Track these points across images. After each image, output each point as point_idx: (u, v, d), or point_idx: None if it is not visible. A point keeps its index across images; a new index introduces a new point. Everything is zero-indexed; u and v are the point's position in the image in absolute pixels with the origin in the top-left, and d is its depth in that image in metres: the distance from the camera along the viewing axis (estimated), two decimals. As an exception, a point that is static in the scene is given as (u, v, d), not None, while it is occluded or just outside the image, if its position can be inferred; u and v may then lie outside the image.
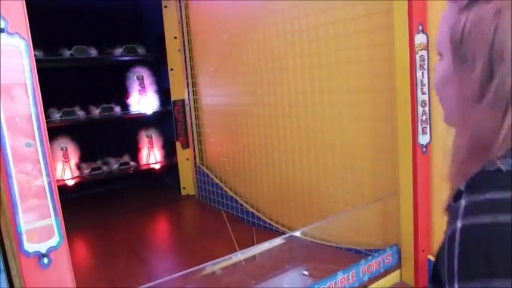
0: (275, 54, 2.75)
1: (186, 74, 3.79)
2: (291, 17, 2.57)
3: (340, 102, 2.38)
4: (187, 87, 3.82)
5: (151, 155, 4.21)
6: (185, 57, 3.76)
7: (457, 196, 0.49)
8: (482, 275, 0.41)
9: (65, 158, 3.66)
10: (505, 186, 0.44)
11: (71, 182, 3.67)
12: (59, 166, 3.63)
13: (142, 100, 4.10)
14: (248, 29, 2.98)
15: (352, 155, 2.37)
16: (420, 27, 1.90)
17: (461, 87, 0.52)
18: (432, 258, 2.04)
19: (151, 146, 4.22)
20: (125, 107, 4.07)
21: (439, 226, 2.00)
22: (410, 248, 2.03)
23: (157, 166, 4.21)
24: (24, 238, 1.00)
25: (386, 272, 2.07)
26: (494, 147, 0.47)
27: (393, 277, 2.10)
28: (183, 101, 3.89)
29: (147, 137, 4.21)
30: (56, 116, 3.61)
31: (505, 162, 0.46)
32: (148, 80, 4.12)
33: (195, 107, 3.82)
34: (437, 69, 0.59)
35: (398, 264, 2.11)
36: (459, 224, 0.45)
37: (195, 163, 3.90)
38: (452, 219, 0.47)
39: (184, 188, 4.02)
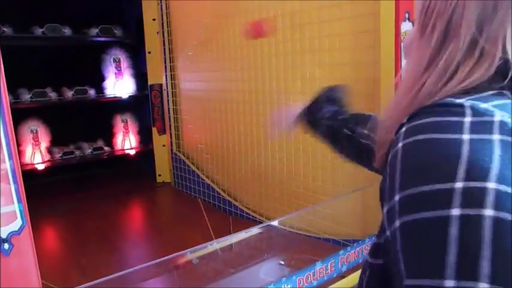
0: (256, 40, 2.68)
1: (165, 58, 3.69)
2: (274, 2, 2.50)
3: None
4: (165, 71, 3.72)
5: (127, 141, 4.10)
6: (164, 40, 3.66)
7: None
8: (421, 182, 0.42)
9: (35, 141, 3.52)
10: (445, 113, 0.45)
11: (41, 167, 3.53)
12: (29, 149, 3.48)
13: (118, 83, 3.97)
14: (229, 13, 2.89)
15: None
16: (407, 15, 1.87)
17: (418, 54, 0.55)
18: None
19: (126, 131, 4.10)
20: (100, 90, 3.93)
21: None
22: (389, 239, 2.02)
23: (132, 152, 4.10)
24: (-17, 223, 0.92)
25: (365, 262, 2.06)
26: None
27: (371, 268, 2.08)
28: (161, 85, 3.79)
29: (123, 121, 4.09)
30: (26, 96, 3.45)
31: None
32: (125, 63, 3.99)
33: (172, 91, 3.72)
34: (408, 32, 0.66)
35: (376, 255, 2.10)
36: (400, 144, 0.46)
37: (172, 150, 3.81)
38: (391, 148, 0.49)
39: (160, 175, 3.94)
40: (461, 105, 0.45)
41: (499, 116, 0.43)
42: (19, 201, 0.98)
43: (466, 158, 0.41)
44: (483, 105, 0.45)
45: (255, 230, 2.11)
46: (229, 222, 2.84)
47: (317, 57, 2.33)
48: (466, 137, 0.42)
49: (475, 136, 0.42)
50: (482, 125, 0.43)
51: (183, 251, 1.75)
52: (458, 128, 0.43)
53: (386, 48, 1.91)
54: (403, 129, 0.48)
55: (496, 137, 0.42)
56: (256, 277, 2.13)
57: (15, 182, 1.00)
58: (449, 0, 0.51)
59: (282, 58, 2.53)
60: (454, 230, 0.39)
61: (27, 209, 0.99)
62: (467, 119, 0.43)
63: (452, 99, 0.47)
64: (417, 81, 0.53)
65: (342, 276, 1.97)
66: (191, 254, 1.89)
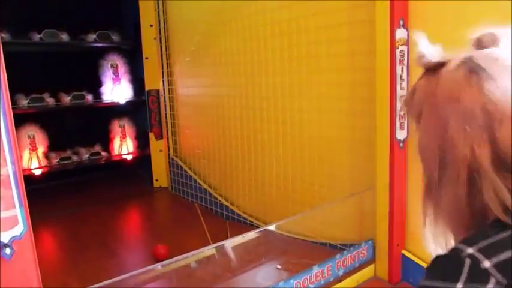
0: (254, 46, 2.71)
1: (162, 64, 3.70)
2: (270, 8, 2.53)
3: (318, 96, 2.36)
4: (163, 76, 3.73)
5: (124, 146, 4.10)
6: (161, 46, 3.67)
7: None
8: None
9: (32, 147, 3.52)
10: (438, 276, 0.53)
11: (38, 172, 3.53)
12: (26, 155, 3.48)
13: (116, 89, 3.98)
14: (226, 19, 2.92)
15: (329, 149, 2.36)
16: (401, 22, 1.90)
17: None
18: (407, 253, 2.05)
19: (123, 136, 4.11)
20: (97, 95, 3.94)
21: (414, 222, 2.01)
22: (385, 243, 2.04)
23: (129, 157, 4.11)
24: (-15, 227, 0.93)
25: (361, 266, 2.07)
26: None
27: (367, 271, 2.10)
28: (158, 91, 3.80)
29: (120, 126, 4.09)
30: (24, 102, 3.46)
31: None
32: (122, 69, 4.00)
33: (169, 97, 3.73)
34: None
35: (372, 259, 2.12)
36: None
37: (169, 155, 3.82)
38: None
39: (157, 180, 3.94)
40: (462, 264, 0.50)
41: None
42: (21, 206, 1.00)
43: None
44: (486, 264, 0.49)
45: (252, 235, 2.12)
46: (227, 227, 2.85)
47: (313, 63, 2.35)
48: None
49: None
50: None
51: (182, 256, 1.77)
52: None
53: (381, 54, 1.93)
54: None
55: None
56: (254, 281, 2.14)
57: (17, 187, 1.01)
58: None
59: (278, 64, 2.55)
60: None
61: (28, 214, 1.00)
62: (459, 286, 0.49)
63: (463, 247, 0.52)
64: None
65: (339, 280, 1.99)
66: (189, 259, 1.90)
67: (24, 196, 1.03)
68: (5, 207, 0.98)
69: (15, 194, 1.01)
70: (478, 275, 0.49)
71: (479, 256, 0.49)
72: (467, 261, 0.50)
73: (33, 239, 1.01)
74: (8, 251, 0.95)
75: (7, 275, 0.94)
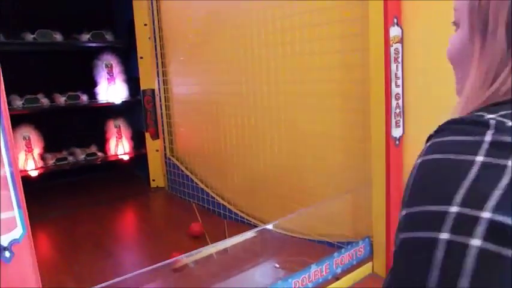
0: (248, 43, 2.71)
1: (157, 63, 3.70)
2: (264, 6, 2.53)
3: (312, 93, 2.37)
4: (158, 76, 3.72)
5: (120, 146, 4.09)
6: (155, 45, 3.66)
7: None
8: (422, 202, 0.44)
9: (28, 148, 3.50)
10: (467, 131, 0.45)
11: (34, 173, 3.51)
12: (21, 156, 3.47)
13: (111, 89, 3.97)
14: (221, 17, 2.92)
15: (324, 147, 2.37)
16: (395, 20, 1.90)
17: (481, 56, 0.52)
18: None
19: (119, 137, 4.09)
20: (92, 95, 3.92)
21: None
22: (382, 240, 2.05)
23: (125, 157, 4.10)
24: (-17, 231, 0.93)
25: (359, 264, 2.09)
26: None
27: (365, 269, 2.11)
28: (153, 90, 3.80)
29: (116, 127, 4.08)
30: (18, 103, 3.44)
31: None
32: (117, 68, 3.99)
33: (165, 96, 3.73)
34: (454, 39, 0.60)
35: (370, 256, 2.13)
36: (419, 160, 0.47)
37: (165, 154, 3.82)
38: (417, 157, 0.50)
39: (153, 180, 3.94)
40: (487, 123, 0.44)
41: None
42: (19, 208, 1.00)
43: (468, 183, 0.40)
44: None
45: (249, 234, 2.13)
46: (224, 226, 2.85)
47: (307, 60, 2.36)
48: (479, 159, 0.41)
49: (488, 160, 0.41)
50: (501, 147, 0.41)
51: (180, 256, 1.77)
52: (474, 149, 0.42)
53: (376, 52, 1.94)
54: (428, 143, 0.48)
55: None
56: (252, 280, 2.15)
57: (15, 189, 1.01)
58: None
59: (273, 61, 2.56)
60: (439, 254, 0.40)
61: (27, 216, 1.00)
62: (487, 139, 0.42)
63: (483, 113, 0.46)
64: (490, 82, 0.51)
65: (337, 278, 2.00)
66: (187, 258, 1.91)
67: (22, 198, 1.03)
68: (3, 209, 0.98)
69: (13, 196, 1.00)
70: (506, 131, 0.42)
71: (503, 119, 0.44)
72: (492, 122, 0.44)
73: (32, 241, 1.01)
74: (7, 254, 0.95)
75: (7, 279, 0.94)
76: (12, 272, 0.96)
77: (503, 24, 0.49)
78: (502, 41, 0.49)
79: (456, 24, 0.60)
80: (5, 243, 0.95)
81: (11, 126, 1.05)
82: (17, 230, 0.97)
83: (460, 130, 0.46)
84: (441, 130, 0.48)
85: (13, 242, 0.97)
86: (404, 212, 0.46)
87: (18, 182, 1.02)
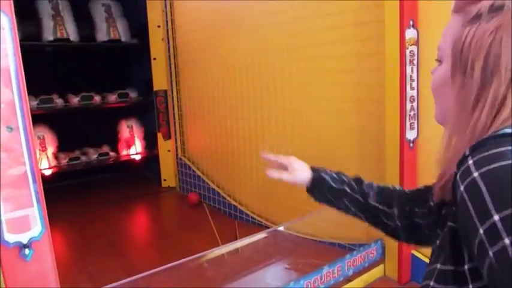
0: (261, 46, 2.71)
1: (169, 64, 3.72)
2: (277, 9, 2.53)
3: (326, 97, 2.36)
4: (170, 77, 3.75)
5: (132, 146, 4.13)
6: (168, 47, 3.69)
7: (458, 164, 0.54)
8: None
9: (42, 147, 3.55)
10: (506, 142, 0.50)
11: (47, 172, 3.56)
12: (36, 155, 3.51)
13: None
14: (234, 20, 2.93)
15: (338, 150, 2.36)
16: (411, 22, 1.89)
17: (461, 93, 0.60)
18: (416, 253, 2.05)
19: (132, 137, 4.13)
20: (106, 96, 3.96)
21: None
22: (394, 243, 2.04)
23: (137, 157, 4.13)
24: (4, 228, 0.95)
25: (371, 266, 2.08)
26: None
27: (377, 271, 2.10)
28: (166, 91, 3.82)
29: (128, 127, 4.12)
30: (33, 103, 3.48)
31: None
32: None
33: (177, 97, 3.75)
34: (436, 72, 0.68)
35: (382, 259, 2.12)
36: (475, 174, 0.49)
37: (177, 155, 3.84)
38: (461, 178, 0.52)
39: (165, 180, 3.96)
40: None
41: None
42: (38, 204, 1.01)
43: None
44: None
45: (261, 235, 2.13)
46: (235, 227, 2.86)
47: (321, 63, 2.35)
48: None
49: None
50: None
51: (192, 256, 1.77)
52: None
53: (391, 54, 1.93)
54: (471, 161, 0.51)
55: None
56: (263, 281, 2.15)
57: (34, 185, 1.02)
58: (485, 38, 0.56)
59: (286, 65, 2.55)
60: None
61: (46, 214, 1.02)
62: None
63: (507, 130, 0.52)
64: (469, 118, 0.57)
65: (349, 280, 1.99)
66: (200, 259, 1.91)
67: (42, 195, 1.04)
68: (23, 206, 0.99)
69: (33, 192, 1.02)
70: None
71: None
72: None
73: (51, 239, 1.02)
74: (27, 251, 0.96)
75: (26, 276, 0.96)
76: (31, 269, 0.97)
77: (479, 68, 0.57)
78: (477, 81, 0.57)
79: (439, 61, 0.67)
80: (24, 241, 0.96)
81: (31, 125, 1.06)
82: (36, 228, 0.99)
83: (501, 143, 0.51)
84: (477, 147, 0.52)
85: (32, 240, 0.98)
86: (497, 217, 0.46)
87: (38, 180, 1.04)
